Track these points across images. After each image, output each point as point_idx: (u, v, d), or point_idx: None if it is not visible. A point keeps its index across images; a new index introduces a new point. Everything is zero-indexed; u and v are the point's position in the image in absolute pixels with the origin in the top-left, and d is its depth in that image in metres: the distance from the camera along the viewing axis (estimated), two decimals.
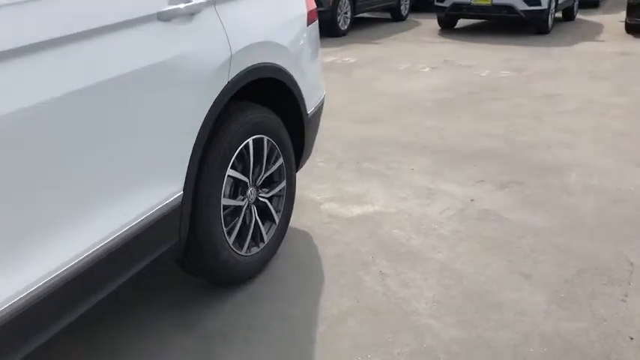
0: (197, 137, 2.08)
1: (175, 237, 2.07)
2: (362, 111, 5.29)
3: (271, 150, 2.60)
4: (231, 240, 2.39)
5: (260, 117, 2.47)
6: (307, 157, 3.06)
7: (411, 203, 3.34)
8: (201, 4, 2.07)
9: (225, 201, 2.32)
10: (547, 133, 4.59)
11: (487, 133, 4.59)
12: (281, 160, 2.68)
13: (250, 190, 2.50)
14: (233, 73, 2.22)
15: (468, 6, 10.01)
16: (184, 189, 2.07)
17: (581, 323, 2.29)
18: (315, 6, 2.99)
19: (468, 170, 3.83)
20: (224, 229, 2.33)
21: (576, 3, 12.17)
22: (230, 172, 2.32)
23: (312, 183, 3.63)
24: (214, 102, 2.14)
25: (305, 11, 2.85)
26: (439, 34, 10.20)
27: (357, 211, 3.26)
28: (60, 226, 1.59)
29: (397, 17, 12.14)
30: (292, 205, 2.84)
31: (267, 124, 2.52)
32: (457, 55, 8.09)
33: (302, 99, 2.77)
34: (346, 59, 7.82)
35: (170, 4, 1.95)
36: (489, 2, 9.79)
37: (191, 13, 2.05)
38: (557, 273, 2.63)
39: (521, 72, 6.88)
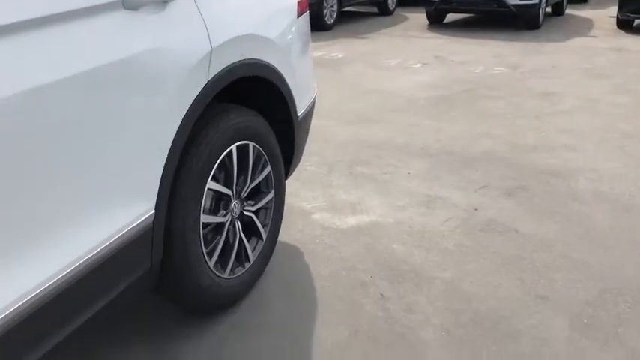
0: (171, 147, 1.78)
1: (146, 264, 1.76)
2: (353, 110, 5.00)
3: (257, 157, 2.30)
4: (212, 262, 2.08)
5: (245, 121, 2.16)
6: (297, 163, 2.76)
7: (410, 212, 3.06)
8: None
9: (204, 218, 2.02)
10: (549, 134, 4.33)
11: (487, 134, 4.32)
12: (268, 169, 2.38)
13: (234, 204, 2.20)
14: (213, 71, 1.91)
15: (458, 0, 9.75)
16: (156, 207, 1.76)
17: (609, 354, 2.02)
18: None
19: (470, 175, 3.56)
20: (204, 250, 2.03)
21: None
22: (210, 184, 2.02)
23: (302, 189, 3.33)
24: (191, 105, 1.83)
25: (295, 1, 2.55)
26: (428, 29, 9.93)
27: (351, 221, 2.97)
28: None
29: (384, 11, 11.86)
30: (281, 218, 2.54)
31: (253, 129, 2.22)
32: (448, 50, 7.83)
33: (292, 100, 2.47)
34: (334, 54, 7.52)
35: None
36: None
37: (164, 1, 1.73)
38: (576, 294, 2.37)
39: (515, 69, 6.64)
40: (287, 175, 2.67)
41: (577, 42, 8.55)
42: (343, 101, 5.26)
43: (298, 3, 2.57)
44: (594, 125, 4.55)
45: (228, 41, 1.96)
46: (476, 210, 3.10)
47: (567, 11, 11.98)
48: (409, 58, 7.30)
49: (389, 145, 4.08)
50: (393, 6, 12.06)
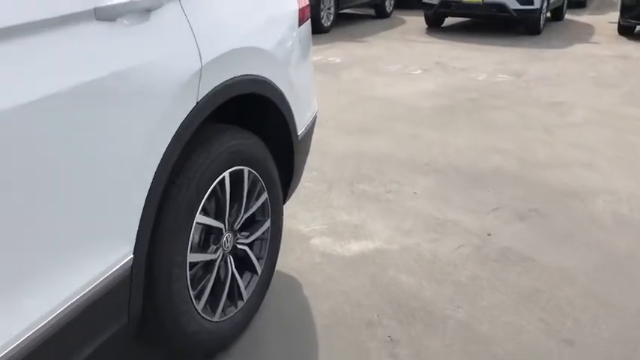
0: (154, 179, 1.52)
1: (122, 319, 1.51)
2: (352, 119, 4.76)
3: (253, 183, 2.05)
4: (200, 305, 1.83)
5: (239, 144, 1.91)
6: (296, 185, 2.51)
7: (418, 238, 2.82)
8: None
9: (192, 257, 1.77)
10: (561, 149, 4.10)
11: (495, 148, 4.09)
12: (265, 195, 2.13)
13: (226, 237, 1.95)
14: (204, 91, 1.66)
15: (458, 4, 9.51)
16: (135, 251, 1.51)
17: None
18: (307, 2, 2.44)
19: (479, 195, 3.32)
20: (191, 293, 1.78)
21: (565, 3, 11.80)
22: (199, 218, 1.77)
23: (300, 210, 3.08)
24: (178, 130, 1.57)
25: (296, 7, 2.30)
26: (426, 33, 9.70)
27: (354, 248, 2.72)
28: None
29: (381, 14, 11.62)
30: (278, 248, 2.29)
31: (248, 152, 1.97)
32: (448, 56, 7.60)
33: (292, 118, 2.22)
34: (331, 59, 7.27)
35: None
36: (480, 0, 9.32)
37: (146, 9, 1.48)
38: (606, 338, 2.13)
39: (519, 76, 6.41)
40: (285, 199, 2.42)
41: (579, 49, 8.34)
42: (342, 109, 5.01)
43: (300, 10, 2.32)
44: (606, 139, 4.33)
45: (220, 56, 1.71)
46: (489, 235, 2.86)
47: (566, 16, 11.79)
48: (409, 63, 7.06)
49: (391, 159, 3.84)
50: (391, 8, 11.83)
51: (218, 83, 1.72)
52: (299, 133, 2.32)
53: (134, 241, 1.50)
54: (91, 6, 1.32)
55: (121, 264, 1.45)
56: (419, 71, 6.67)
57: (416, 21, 10.76)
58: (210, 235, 1.88)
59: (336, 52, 7.80)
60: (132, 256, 1.49)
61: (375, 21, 11.10)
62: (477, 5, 9.46)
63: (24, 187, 1.18)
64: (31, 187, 1.19)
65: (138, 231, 1.51)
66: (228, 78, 1.76)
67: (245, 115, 2.13)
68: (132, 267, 1.49)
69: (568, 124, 4.72)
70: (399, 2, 12.32)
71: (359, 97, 5.47)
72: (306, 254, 2.66)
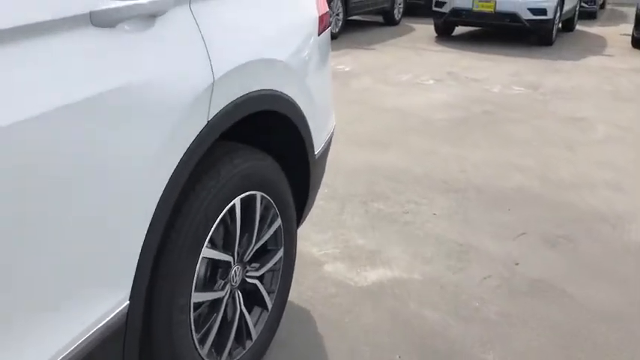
0: (156, 210, 1.31)
1: None
2: (364, 131, 4.54)
3: (266, 209, 1.83)
4: (204, 350, 1.61)
5: (252, 166, 1.70)
6: (310, 208, 2.29)
7: (440, 266, 2.60)
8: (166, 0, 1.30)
9: (197, 296, 1.55)
10: (585, 167, 3.88)
11: (515, 165, 3.87)
12: (278, 222, 1.91)
13: (234, 271, 1.73)
14: (215, 109, 1.45)
15: (469, 12, 9.32)
16: (132, 295, 1.29)
17: None
18: (327, 8, 2.23)
19: (503, 217, 3.10)
20: (195, 337, 1.56)
21: (577, 13, 11.61)
22: (206, 252, 1.55)
23: (311, 231, 2.86)
24: (185, 154, 1.36)
25: (316, 15, 2.09)
26: (436, 42, 9.50)
27: (371, 276, 2.50)
28: None
29: (390, 21, 11.43)
30: (291, 280, 2.07)
31: (261, 176, 1.75)
32: (460, 66, 7.39)
33: (309, 136, 2.00)
34: (340, 67, 7.06)
35: None
36: (492, 9, 9.13)
37: (151, 15, 1.27)
38: None
39: (535, 89, 6.20)
40: (299, 223, 2.20)
41: (594, 61, 8.13)
42: (353, 121, 4.80)
43: (320, 17, 2.11)
44: (633, 157, 4.11)
45: (235, 69, 1.50)
46: (517, 265, 2.64)
47: (577, 27, 11.59)
48: (420, 72, 6.86)
49: (407, 176, 3.62)
50: (399, 16, 11.64)
51: (231, 100, 1.50)
52: (316, 153, 2.10)
53: (131, 284, 1.28)
54: (85, 9, 1.11)
55: (115, 312, 1.23)
56: (431, 81, 6.46)
57: (425, 29, 10.57)
58: (216, 270, 1.67)
59: (345, 59, 7.60)
60: (127, 302, 1.27)
61: (383, 28, 10.91)
62: (488, 14, 9.25)
63: (18, 216, 0.98)
64: (23, 215, 0.99)
65: (136, 272, 1.29)
66: (242, 94, 1.55)
67: (257, 131, 1.92)
68: (127, 315, 1.27)
69: (590, 140, 4.50)
70: (407, 10, 12.14)
71: (370, 107, 5.26)
72: (320, 283, 2.44)
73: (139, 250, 1.29)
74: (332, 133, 2.34)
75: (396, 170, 3.72)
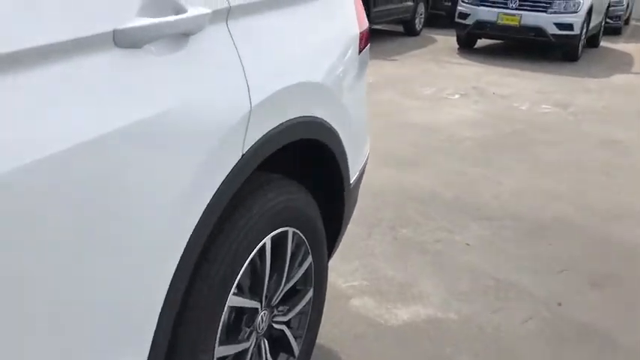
0: (182, 257, 1.13)
1: None
2: (389, 148, 4.34)
3: (297, 247, 1.65)
4: None
5: (286, 200, 1.51)
6: (341, 240, 2.11)
7: (477, 305, 2.40)
8: (202, 16, 1.12)
9: (221, 350, 1.37)
10: (627, 196, 3.66)
11: (551, 191, 3.66)
12: (310, 260, 1.72)
13: (261, 317, 1.54)
14: (251, 140, 1.27)
15: (493, 25, 9.11)
16: (152, 353, 1.11)
17: None
18: (367, 24, 2.05)
19: (542, 250, 2.90)
20: None
21: (602, 29, 11.36)
22: (233, 300, 1.37)
23: (336, 258, 2.65)
24: (215, 195, 1.18)
25: (357, 31, 1.90)
26: (458, 54, 9.30)
27: (403, 315, 2.30)
28: None
29: (411, 31, 11.24)
30: (320, 321, 1.89)
31: (295, 210, 1.57)
32: (485, 80, 7.18)
33: (345, 163, 1.82)
34: None
35: (141, 14, 0.99)
36: (517, 23, 8.91)
37: (184, 34, 1.09)
38: None
39: (565, 108, 5.97)
40: (330, 256, 2.01)
41: (622, 79, 7.90)
42: (377, 137, 4.57)
43: (361, 34, 1.92)
44: None
45: (274, 94, 1.32)
46: (559, 305, 2.43)
47: (601, 43, 11.34)
48: (445, 86, 6.65)
49: (437, 200, 3.42)
50: (420, 26, 11.45)
51: (269, 129, 1.32)
52: (351, 181, 1.92)
53: (149, 344, 1.10)
54: (108, 27, 0.93)
55: None
56: (456, 96, 6.25)
57: (446, 40, 10.36)
58: (242, 317, 1.48)
59: (367, 70, 7.39)
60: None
61: (404, 38, 10.72)
62: (513, 28, 9.04)
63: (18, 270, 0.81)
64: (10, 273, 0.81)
65: (156, 327, 1.11)
66: (281, 122, 1.37)
67: (291, 158, 1.74)
68: None
69: (628, 165, 4.28)
70: (428, 20, 11.95)
71: (394, 122, 5.07)
72: (347, 320, 2.25)
73: (162, 303, 1.11)
74: (367, 159, 2.16)
75: (425, 193, 3.52)
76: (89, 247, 0.92)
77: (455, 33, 9.79)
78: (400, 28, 11.42)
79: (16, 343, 0.85)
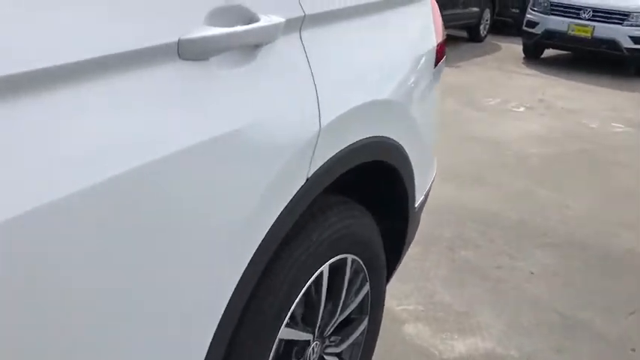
0: (237, 288, 1.03)
1: None
2: (448, 163, 4.14)
3: (355, 274, 1.53)
4: None
5: (346, 225, 1.39)
6: (399, 264, 1.97)
7: (540, 343, 2.22)
8: (275, 26, 1.01)
9: None
10: None
11: (624, 220, 3.40)
12: (367, 288, 1.60)
13: (312, 348, 1.43)
14: (318, 162, 1.15)
15: (563, 35, 8.72)
16: None
17: None
18: (445, 35, 1.90)
19: (612, 285, 2.68)
20: None
21: None
22: (284, 332, 1.26)
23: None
24: (276, 220, 1.07)
25: (434, 44, 1.77)
26: (524, 63, 8.95)
27: (459, 347, 2.15)
28: None
29: (475, 37, 10.92)
30: (372, 353, 1.76)
31: (355, 236, 1.45)
32: (552, 93, 6.86)
33: (412, 185, 1.68)
34: None
35: (209, 23, 0.89)
36: (589, 34, 8.50)
37: (254, 45, 0.98)
38: None
39: (639, 128, 5.63)
40: (387, 281, 1.88)
41: None
42: (436, 150, 4.40)
43: (438, 45, 1.78)
44: None
45: (345, 113, 1.20)
46: (633, 351, 2.22)
47: None
48: (509, 97, 6.39)
49: (499, 221, 3.23)
50: (485, 33, 11.12)
51: (337, 151, 1.21)
52: (416, 204, 1.79)
53: None
54: (173, 37, 0.84)
55: None
56: (521, 108, 5.99)
57: (512, 48, 10.01)
58: (292, 348, 1.37)
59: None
60: None
61: (468, 45, 10.42)
62: (584, 40, 8.63)
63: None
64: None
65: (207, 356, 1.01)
66: (350, 143, 1.25)
67: (353, 178, 1.62)
68: None
69: None
70: (493, 27, 11.59)
71: (455, 134, 4.87)
72: (398, 347, 2.11)
73: (211, 337, 1.01)
74: (433, 181, 2.01)
75: (487, 213, 3.33)
76: (149, 266, 0.83)
77: (521, 41, 9.44)
78: (464, 34, 11.12)
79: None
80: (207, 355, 1.01)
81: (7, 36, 0.65)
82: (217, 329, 1.01)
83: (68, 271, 0.72)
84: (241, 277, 1.03)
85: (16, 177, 0.65)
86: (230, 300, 1.02)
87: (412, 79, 1.57)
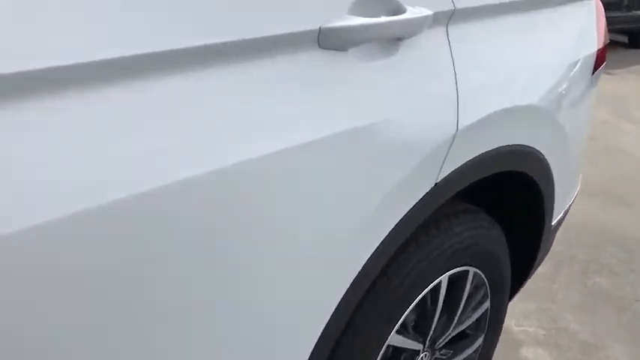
0: (347, 292, 0.99)
1: None
2: (593, 179, 3.82)
3: (476, 288, 1.44)
4: None
5: (471, 236, 1.31)
6: (525, 283, 1.83)
7: None
8: (423, 18, 0.94)
9: None
10: None
11: None
12: (487, 305, 1.50)
13: (421, 358, 1.37)
14: (449, 168, 1.08)
15: None
16: None
17: None
18: (607, 40, 1.72)
19: None
20: None
21: None
22: (393, 339, 1.21)
23: None
24: (397, 225, 1.01)
25: (594, 49, 1.60)
26: None
27: None
28: None
29: (635, 43, 9.97)
30: None
31: (481, 248, 1.35)
32: None
33: (551, 201, 1.55)
34: None
35: (352, 12, 0.85)
36: None
37: (397, 37, 0.93)
38: None
39: None
40: (510, 299, 1.76)
41: None
42: (583, 161, 4.09)
43: (598, 51, 1.61)
44: None
45: (485, 118, 1.11)
46: None
47: None
48: None
49: None
50: None
51: (472, 157, 1.12)
52: (554, 221, 1.64)
53: None
54: (314, 24, 0.81)
55: None
56: None
57: None
58: (400, 356, 1.32)
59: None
60: None
61: (627, 51, 9.55)
62: None
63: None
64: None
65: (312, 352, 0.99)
66: (486, 150, 1.16)
67: (483, 187, 1.51)
68: None
69: None
70: None
71: (604, 147, 4.47)
72: None
73: (319, 334, 0.98)
74: (574, 199, 1.84)
75: (631, 238, 3.02)
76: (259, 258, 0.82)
77: None
78: (623, 39, 10.19)
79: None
80: (314, 348, 0.98)
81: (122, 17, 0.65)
82: (323, 330, 0.98)
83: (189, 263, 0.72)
84: (355, 278, 0.99)
85: (147, 153, 0.66)
86: (341, 300, 0.98)
87: (564, 86, 1.42)
